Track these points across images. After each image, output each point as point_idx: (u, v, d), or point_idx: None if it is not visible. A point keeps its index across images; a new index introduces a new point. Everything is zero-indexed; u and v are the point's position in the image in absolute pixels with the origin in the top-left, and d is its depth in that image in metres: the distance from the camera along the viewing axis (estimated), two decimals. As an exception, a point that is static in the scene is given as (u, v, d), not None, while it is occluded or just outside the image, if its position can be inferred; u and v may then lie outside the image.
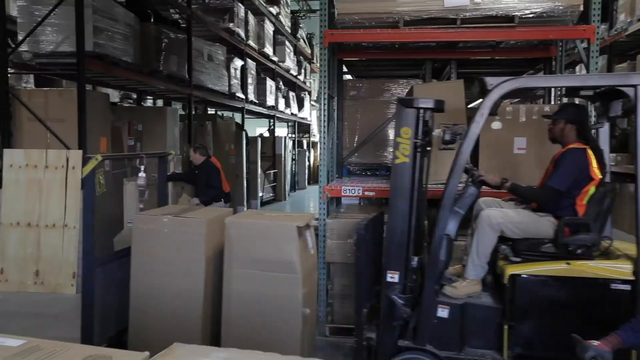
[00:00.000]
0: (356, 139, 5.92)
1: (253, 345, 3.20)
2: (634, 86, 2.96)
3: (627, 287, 2.92)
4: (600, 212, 3.21)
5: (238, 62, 11.33)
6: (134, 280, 3.60)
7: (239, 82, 11.45)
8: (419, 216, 3.34)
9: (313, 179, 20.21)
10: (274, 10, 13.64)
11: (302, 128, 20.54)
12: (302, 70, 18.48)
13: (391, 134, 5.90)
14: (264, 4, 12.74)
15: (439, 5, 4.46)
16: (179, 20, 9.65)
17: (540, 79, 3.63)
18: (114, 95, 11.11)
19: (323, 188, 4.74)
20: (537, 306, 3.07)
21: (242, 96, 11.68)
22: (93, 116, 5.98)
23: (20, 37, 5.96)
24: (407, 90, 5.84)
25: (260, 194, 12.94)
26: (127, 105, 11.32)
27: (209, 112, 13.74)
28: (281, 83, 15.74)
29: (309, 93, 20.39)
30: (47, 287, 5.35)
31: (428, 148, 3.39)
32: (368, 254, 3.42)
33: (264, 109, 13.67)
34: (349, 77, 7.51)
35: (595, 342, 2.29)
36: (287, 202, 15.31)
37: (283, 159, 15.41)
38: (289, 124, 19.29)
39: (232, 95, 11.03)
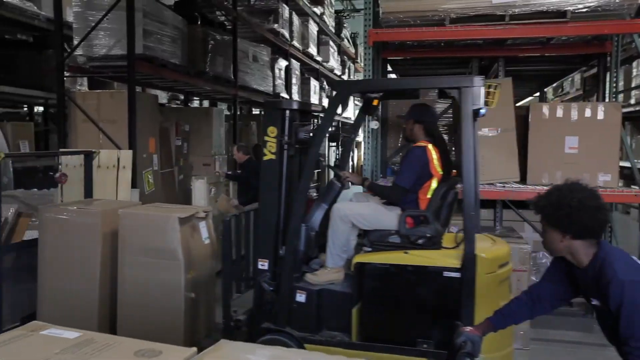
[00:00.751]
0: (400, 138, 5.87)
1: (144, 326, 3.56)
2: (458, 88, 3.15)
3: (457, 274, 3.12)
4: (443, 206, 3.43)
5: (282, 63, 11.42)
6: (40, 266, 3.86)
7: (283, 83, 11.55)
8: (289, 208, 3.56)
9: (356, 178, 20.14)
10: (318, 10, 13.68)
11: (346, 128, 20.49)
12: (346, 70, 18.45)
13: (436, 133, 5.82)
14: (308, 5, 12.79)
15: (487, 2, 4.38)
16: (225, 22, 9.81)
17: (377, 82, 4.21)
18: (162, 97, 11.40)
19: (367, 188, 4.72)
20: (379, 292, 3.31)
21: (287, 96, 11.76)
22: (142, 117, 6.15)
23: (75, 42, 6.20)
24: (453, 88, 5.75)
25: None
26: (175, 106, 11.59)
27: (254, 112, 13.90)
28: (325, 83, 15.77)
29: (353, 93, 20.32)
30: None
31: (297, 146, 3.64)
32: (238, 242, 3.75)
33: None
34: (393, 76, 7.45)
35: (468, 328, 2.42)
36: (331, 202, 15.33)
37: (327, 158, 15.43)
38: (333, 123, 19.28)
39: (276, 96, 11.13)
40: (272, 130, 3.47)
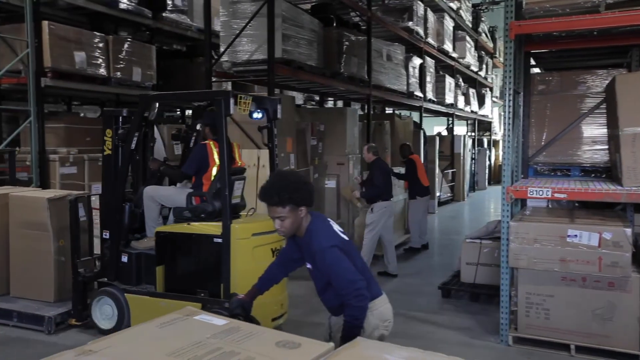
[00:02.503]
0: (544, 136, 5.47)
1: (28, 283, 4.92)
2: (214, 99, 4.22)
3: (221, 240, 4.04)
4: (222, 188, 4.14)
5: (416, 61, 11.27)
6: None
7: (417, 81, 11.39)
8: (124, 192, 4.60)
9: (494, 179, 19.27)
10: (454, 5, 13.30)
11: (482, 126, 19.69)
12: (483, 66, 17.72)
13: (586, 130, 5.35)
14: (444, 0, 12.47)
15: (651, -18, 3.92)
16: (360, 23, 9.92)
17: (172, 95, 5.58)
18: (299, 98, 11.85)
19: (507, 189, 4.48)
20: (170, 254, 4.31)
21: (421, 95, 11.59)
22: (281, 118, 6.42)
23: (221, 49, 6.67)
24: (606, 81, 5.23)
25: (437, 194, 12.71)
26: (310, 107, 11.98)
27: (387, 112, 13.90)
28: (460, 80, 15.27)
29: (490, 89, 19.47)
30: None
31: (127, 143, 4.49)
32: (90, 217, 4.90)
33: (443, 107, 13.39)
34: (536, 70, 6.98)
35: (241, 295, 2.88)
36: (466, 203, 14.80)
37: (462, 158, 14.93)
38: (468, 121, 18.63)
39: (410, 94, 11.02)
40: (109, 132, 4.54)
